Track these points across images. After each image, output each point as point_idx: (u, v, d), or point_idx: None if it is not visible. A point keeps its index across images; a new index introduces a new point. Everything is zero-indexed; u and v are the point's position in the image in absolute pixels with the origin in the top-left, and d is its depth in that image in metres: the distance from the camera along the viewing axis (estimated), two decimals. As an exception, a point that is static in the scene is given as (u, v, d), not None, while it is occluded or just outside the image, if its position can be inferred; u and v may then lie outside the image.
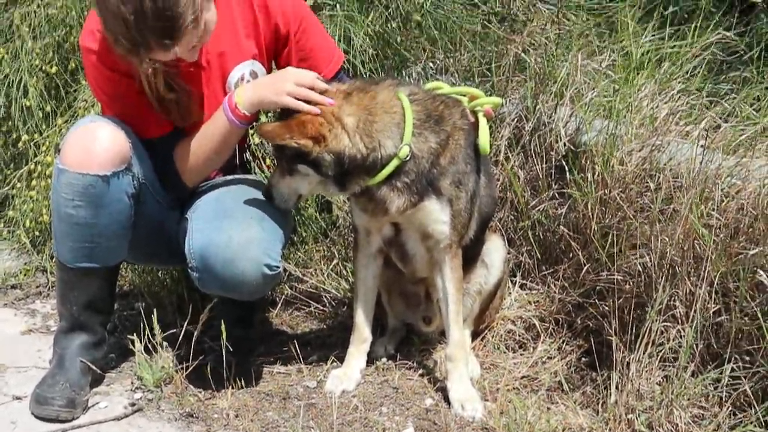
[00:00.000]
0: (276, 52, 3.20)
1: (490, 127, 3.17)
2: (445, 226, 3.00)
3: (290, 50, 3.16)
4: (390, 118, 2.87)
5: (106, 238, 2.95)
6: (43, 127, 4.32)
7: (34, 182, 4.18)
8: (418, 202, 2.94)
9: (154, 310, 3.12)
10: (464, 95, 3.13)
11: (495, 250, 3.36)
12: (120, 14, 2.61)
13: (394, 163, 2.86)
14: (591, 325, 3.34)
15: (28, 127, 4.34)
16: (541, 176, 3.63)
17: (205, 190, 3.16)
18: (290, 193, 2.99)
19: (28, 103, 4.31)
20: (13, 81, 4.34)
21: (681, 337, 2.91)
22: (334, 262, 3.88)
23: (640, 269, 3.12)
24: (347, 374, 3.16)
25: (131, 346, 3.08)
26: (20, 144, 4.35)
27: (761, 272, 2.84)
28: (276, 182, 3.00)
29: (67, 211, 2.88)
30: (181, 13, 2.63)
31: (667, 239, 3.05)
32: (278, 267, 2.94)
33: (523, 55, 3.81)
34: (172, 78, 2.92)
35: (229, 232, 2.89)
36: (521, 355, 3.42)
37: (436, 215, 2.98)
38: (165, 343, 3.08)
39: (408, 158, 2.86)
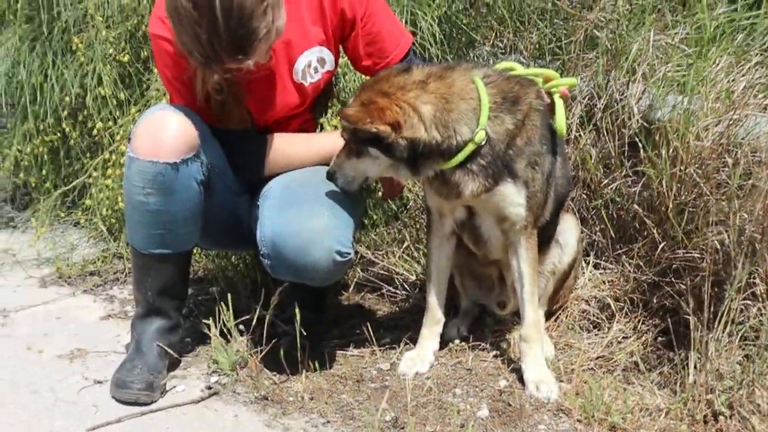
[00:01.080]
0: (343, 37, 3.19)
1: (566, 107, 3.12)
2: (521, 209, 2.96)
3: (357, 35, 3.15)
4: (466, 105, 2.83)
5: (178, 224, 3.00)
6: (118, 115, 4.40)
7: (109, 171, 4.25)
8: (493, 186, 2.90)
9: (228, 295, 3.14)
10: (539, 76, 3.07)
11: (569, 230, 3.32)
12: (194, 33, 2.63)
13: (470, 148, 2.82)
14: (667, 304, 3.28)
15: (103, 116, 4.42)
16: (613, 154, 3.57)
17: (275, 176, 3.17)
18: (356, 175, 2.97)
19: (102, 92, 4.39)
20: (87, 71, 4.42)
21: (762, 315, 2.85)
22: (405, 244, 3.88)
23: (718, 246, 3.05)
24: (420, 356, 3.16)
25: (206, 331, 3.13)
26: (95, 133, 4.43)
27: None
28: (341, 163, 2.98)
29: (138, 199, 2.93)
30: (255, 28, 2.64)
31: (746, 215, 2.97)
32: (349, 253, 2.94)
33: (594, 31, 3.74)
34: (230, 82, 2.92)
35: (300, 220, 2.90)
36: (596, 335, 3.37)
37: (512, 198, 2.94)
38: (240, 327, 3.11)
39: (484, 142, 2.84)
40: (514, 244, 3.04)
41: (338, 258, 2.90)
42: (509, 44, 4.10)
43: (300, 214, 2.92)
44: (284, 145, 3.15)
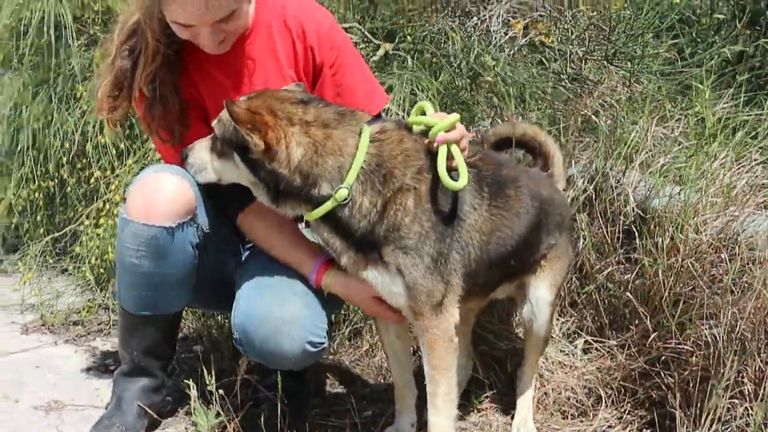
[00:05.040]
0: (313, 83, 3.08)
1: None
2: (401, 298, 2.76)
3: (324, 83, 3.03)
4: (333, 161, 2.67)
5: (169, 287, 2.96)
6: (117, 164, 4.40)
7: (102, 220, 4.24)
8: (365, 267, 2.76)
9: (212, 356, 3.11)
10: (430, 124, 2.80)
11: (539, 287, 3.15)
12: None
13: (329, 204, 2.67)
14: (654, 395, 3.25)
15: (102, 165, 4.42)
16: (608, 239, 3.57)
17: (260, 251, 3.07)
18: (210, 170, 2.80)
19: (103, 140, 4.39)
20: (90, 119, 4.43)
21: (749, 415, 2.82)
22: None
23: (709, 341, 3.03)
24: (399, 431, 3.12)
25: (188, 391, 3.08)
26: (92, 181, 4.43)
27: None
28: (200, 150, 2.81)
29: (131, 261, 2.89)
30: None
31: (737, 312, 2.96)
32: (322, 343, 2.87)
33: (592, 116, 3.78)
34: (166, 80, 2.85)
35: (271, 309, 2.82)
36: (581, 422, 3.33)
37: (386, 288, 2.76)
38: (220, 391, 3.06)
39: (347, 202, 2.68)
40: (418, 335, 2.86)
41: (310, 348, 2.83)
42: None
43: (273, 301, 2.84)
44: (267, 242, 3.00)
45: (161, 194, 2.84)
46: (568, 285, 3.66)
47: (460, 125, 2.78)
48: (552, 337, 3.51)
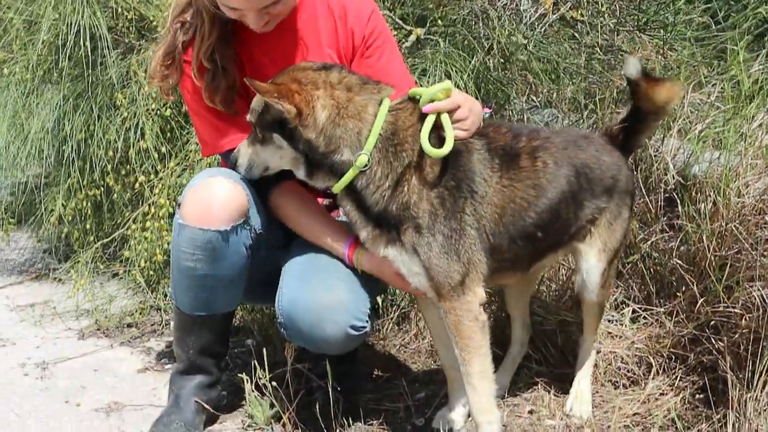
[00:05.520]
0: (351, 63, 3.09)
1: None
2: (422, 278, 2.78)
3: (360, 63, 3.06)
4: (353, 124, 2.72)
5: (224, 288, 3.02)
6: (159, 168, 4.46)
7: (148, 223, 4.30)
8: (385, 245, 2.80)
9: (264, 349, 3.16)
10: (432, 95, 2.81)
11: (587, 263, 3.10)
12: None
13: (352, 172, 2.72)
14: (706, 360, 3.24)
15: (145, 169, 4.48)
16: (650, 209, 3.56)
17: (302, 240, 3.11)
18: (258, 162, 2.86)
19: (145, 145, 4.46)
20: (130, 125, 4.50)
21: (802, 374, 2.80)
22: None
23: (759, 303, 3.02)
24: (452, 413, 3.14)
25: (242, 384, 3.14)
26: (137, 186, 4.50)
27: None
28: (244, 150, 2.88)
29: (187, 264, 2.95)
30: None
31: (786, 272, 2.95)
32: (364, 327, 2.90)
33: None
34: (225, 53, 2.93)
35: (315, 294, 2.86)
36: (633, 391, 3.33)
37: (406, 267, 2.79)
38: (274, 383, 3.12)
39: (367, 168, 2.73)
40: (443, 316, 2.84)
41: (352, 332, 2.87)
42: (543, 99, 4.13)
43: (316, 286, 2.89)
44: (298, 221, 3.05)
45: (215, 199, 2.89)
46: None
47: (457, 95, 2.81)
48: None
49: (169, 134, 4.51)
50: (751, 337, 2.99)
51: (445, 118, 2.74)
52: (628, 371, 3.41)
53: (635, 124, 3.16)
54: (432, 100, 2.77)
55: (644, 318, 3.56)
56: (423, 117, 2.75)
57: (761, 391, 2.81)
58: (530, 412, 3.22)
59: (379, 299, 3.76)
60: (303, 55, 2.98)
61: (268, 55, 3.02)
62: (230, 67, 2.94)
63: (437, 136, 2.74)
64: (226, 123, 3.00)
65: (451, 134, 2.71)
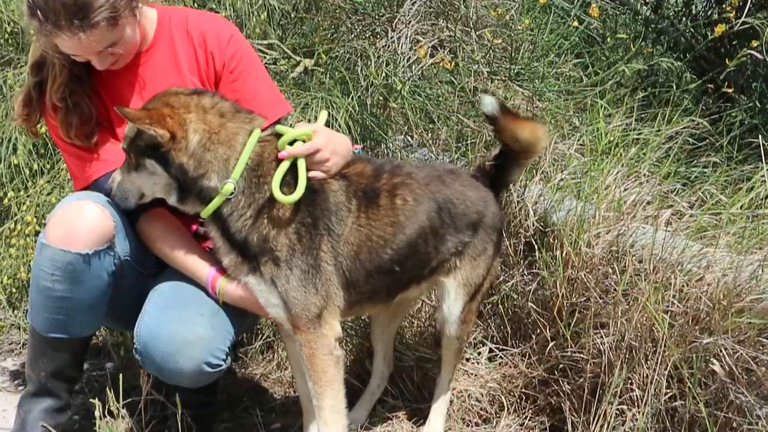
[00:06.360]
0: (215, 88, 3.12)
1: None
2: (279, 310, 2.84)
3: (224, 87, 3.08)
4: (222, 151, 2.78)
5: (81, 311, 2.99)
6: (30, 184, 4.39)
7: (14, 240, 4.22)
8: (246, 273, 2.85)
9: (121, 374, 3.13)
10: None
11: (448, 298, 3.17)
12: None
13: (218, 199, 2.78)
14: (553, 402, 3.36)
15: (15, 184, 4.40)
16: (511, 252, 3.68)
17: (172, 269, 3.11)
18: (133, 189, 2.88)
19: (16, 161, 4.39)
20: (2, 139, 4.42)
21: (636, 420, 2.94)
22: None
23: (601, 350, 3.16)
24: (306, 444, 3.18)
25: (93, 410, 3.11)
26: (5, 201, 4.42)
27: (714, 360, 2.88)
28: (119, 178, 2.90)
29: (45, 284, 2.92)
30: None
31: (626, 322, 3.10)
32: (220, 365, 2.92)
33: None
34: (77, 91, 2.96)
35: (175, 326, 2.88)
36: (484, 429, 3.43)
37: (264, 297, 2.85)
38: (124, 410, 3.08)
39: (233, 196, 2.79)
40: (299, 349, 2.89)
41: (207, 369, 2.89)
42: (419, 139, 4.23)
43: (177, 318, 2.90)
44: (162, 246, 3.05)
45: (80, 221, 2.88)
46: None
47: (320, 136, 2.88)
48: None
49: (42, 150, 4.45)
50: (593, 382, 3.13)
51: (300, 164, 2.82)
52: (481, 409, 3.50)
53: (505, 161, 3.27)
54: (294, 141, 2.83)
55: (500, 357, 3.65)
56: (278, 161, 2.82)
57: (598, 434, 2.95)
58: (384, 449, 3.28)
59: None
60: (166, 83, 2.99)
61: (131, 86, 3.05)
62: (83, 103, 2.97)
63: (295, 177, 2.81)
64: (90, 153, 3.02)
65: (303, 182, 2.79)
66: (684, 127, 3.84)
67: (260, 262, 2.81)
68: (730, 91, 4.48)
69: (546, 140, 3.36)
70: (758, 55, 4.30)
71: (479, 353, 3.69)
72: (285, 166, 2.81)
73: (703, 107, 4.31)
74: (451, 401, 3.45)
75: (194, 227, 3.17)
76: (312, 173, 2.84)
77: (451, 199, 3.10)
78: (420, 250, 3.03)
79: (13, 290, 4.29)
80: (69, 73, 2.93)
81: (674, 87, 4.46)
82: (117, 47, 2.87)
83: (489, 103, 3.14)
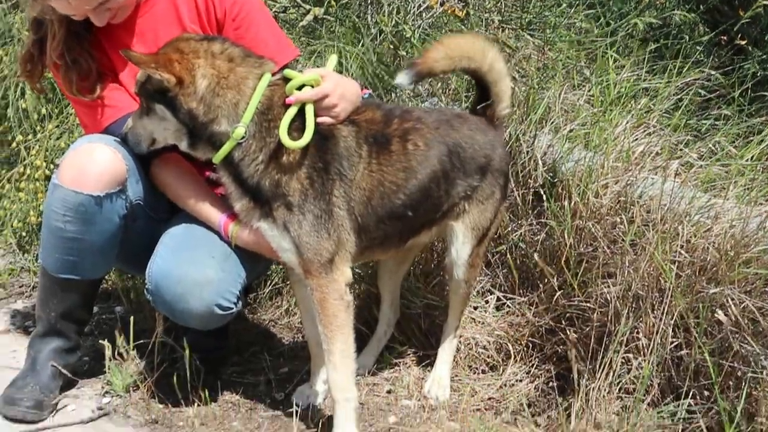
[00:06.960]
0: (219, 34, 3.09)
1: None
2: (291, 255, 2.86)
3: (230, 35, 3.04)
4: (231, 95, 2.78)
5: (92, 253, 3.01)
6: (38, 129, 4.39)
7: (23, 184, 4.23)
8: (258, 218, 2.86)
9: (132, 317, 3.16)
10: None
11: (457, 241, 3.20)
12: None
13: (229, 144, 2.78)
14: (559, 351, 3.39)
15: (23, 129, 4.41)
16: (520, 202, 3.68)
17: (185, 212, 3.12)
18: (145, 134, 2.89)
19: (24, 105, 4.38)
20: (11, 83, 4.41)
21: (641, 368, 2.96)
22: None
23: (608, 299, 3.17)
24: (313, 389, 3.21)
25: (104, 351, 3.15)
26: (14, 145, 4.42)
27: (719, 311, 2.89)
28: (133, 123, 2.91)
29: (57, 225, 2.94)
30: None
31: (633, 272, 3.10)
32: (231, 308, 2.95)
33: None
34: (74, 47, 2.98)
35: (186, 267, 2.90)
36: (491, 376, 3.46)
37: (276, 242, 2.87)
38: (134, 352, 3.13)
39: (244, 141, 2.80)
40: (310, 293, 2.90)
41: (217, 311, 2.91)
42: (429, 89, 4.21)
43: (189, 260, 2.92)
44: (175, 191, 3.07)
45: (92, 164, 2.90)
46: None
47: (329, 82, 2.87)
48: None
49: (50, 94, 4.43)
50: (600, 331, 3.14)
51: (309, 109, 2.82)
52: (488, 357, 3.54)
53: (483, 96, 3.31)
54: (303, 86, 2.83)
55: (507, 306, 3.67)
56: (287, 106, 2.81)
57: (603, 381, 2.96)
58: (389, 391, 3.31)
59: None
60: (167, 33, 2.99)
61: (132, 36, 3.06)
62: (82, 59, 2.98)
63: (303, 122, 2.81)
64: (96, 103, 3.03)
65: (311, 127, 2.78)
66: (695, 79, 3.81)
67: (272, 207, 2.82)
68: (743, 43, 4.45)
69: (489, 50, 3.26)
70: (773, 7, 4.27)
71: (487, 302, 3.71)
72: (293, 111, 2.80)
73: (715, 59, 4.27)
74: (457, 348, 3.48)
75: (207, 173, 3.18)
76: (320, 119, 2.84)
77: (461, 143, 3.11)
78: (432, 195, 3.05)
79: (23, 234, 4.32)
80: (66, 30, 2.95)
81: (687, 39, 4.41)
82: (110, 2, 2.88)
83: (403, 81, 3.19)
